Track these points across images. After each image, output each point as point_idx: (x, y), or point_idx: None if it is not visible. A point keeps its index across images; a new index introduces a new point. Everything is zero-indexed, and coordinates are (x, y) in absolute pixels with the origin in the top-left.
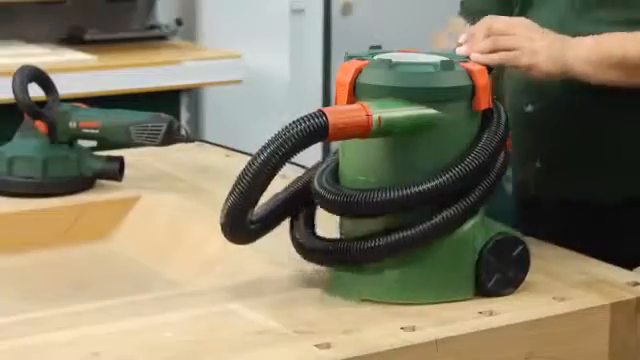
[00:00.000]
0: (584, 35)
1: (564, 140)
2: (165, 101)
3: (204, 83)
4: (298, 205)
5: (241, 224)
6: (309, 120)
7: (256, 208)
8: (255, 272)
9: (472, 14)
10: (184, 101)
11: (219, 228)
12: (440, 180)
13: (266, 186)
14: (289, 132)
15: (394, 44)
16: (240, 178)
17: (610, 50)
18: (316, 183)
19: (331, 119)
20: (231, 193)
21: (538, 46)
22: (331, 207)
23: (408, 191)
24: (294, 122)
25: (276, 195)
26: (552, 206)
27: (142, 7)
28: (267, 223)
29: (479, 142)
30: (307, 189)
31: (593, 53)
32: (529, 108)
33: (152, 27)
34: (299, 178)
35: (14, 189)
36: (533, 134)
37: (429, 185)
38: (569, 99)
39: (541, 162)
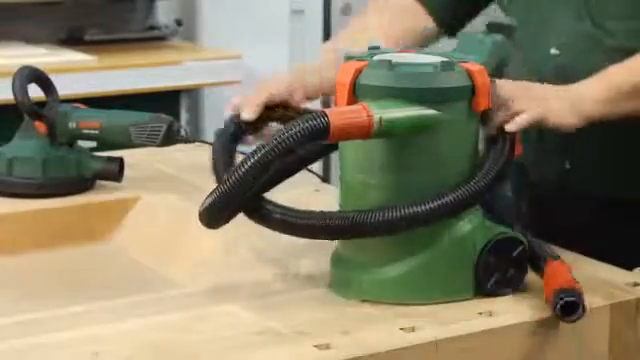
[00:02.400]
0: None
1: (592, 140)
2: (165, 102)
3: (204, 83)
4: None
5: (219, 221)
6: (310, 121)
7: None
8: (255, 272)
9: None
10: (184, 102)
11: (220, 229)
12: (444, 200)
13: (255, 185)
14: (289, 132)
15: None
16: (229, 175)
17: (619, 84)
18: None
19: (333, 120)
20: (217, 188)
21: (547, 101)
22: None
23: (412, 210)
24: (295, 122)
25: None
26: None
27: (142, 7)
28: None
29: (485, 162)
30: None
31: (601, 92)
32: None
33: (152, 28)
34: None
35: (14, 190)
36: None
37: (433, 205)
38: None
39: (570, 162)
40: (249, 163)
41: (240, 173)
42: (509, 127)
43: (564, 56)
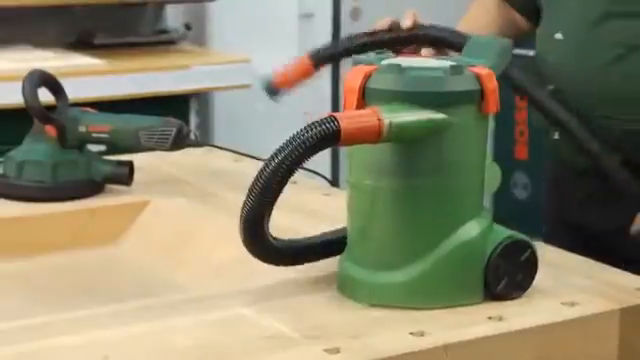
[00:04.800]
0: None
1: None
2: (174, 106)
3: (213, 87)
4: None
5: (258, 232)
6: (321, 125)
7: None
8: (264, 277)
9: None
10: (193, 106)
11: (229, 233)
12: None
13: (279, 193)
14: (301, 138)
15: None
16: (253, 186)
17: None
18: None
19: (343, 124)
20: (245, 203)
21: None
22: None
23: None
24: (306, 127)
25: (323, 234)
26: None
27: (151, 12)
28: (299, 252)
29: None
30: None
31: None
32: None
33: (161, 32)
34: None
35: (24, 193)
36: None
37: None
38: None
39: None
40: (265, 176)
41: (258, 188)
42: None
43: None
